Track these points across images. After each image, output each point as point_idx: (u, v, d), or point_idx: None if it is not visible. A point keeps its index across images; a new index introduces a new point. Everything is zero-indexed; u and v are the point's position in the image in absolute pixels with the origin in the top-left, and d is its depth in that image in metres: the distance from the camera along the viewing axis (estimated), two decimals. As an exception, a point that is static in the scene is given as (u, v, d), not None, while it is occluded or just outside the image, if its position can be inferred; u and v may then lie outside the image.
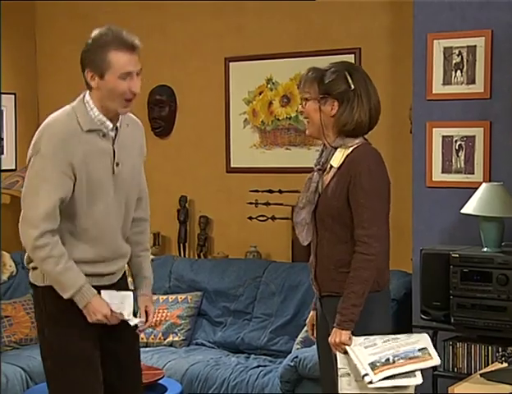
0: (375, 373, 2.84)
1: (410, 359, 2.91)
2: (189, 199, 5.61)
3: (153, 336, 4.98)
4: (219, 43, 5.49)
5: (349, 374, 2.91)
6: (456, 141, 4.25)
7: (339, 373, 2.92)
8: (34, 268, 2.99)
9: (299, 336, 4.49)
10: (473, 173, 4.21)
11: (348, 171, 2.97)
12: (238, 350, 4.86)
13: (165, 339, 4.99)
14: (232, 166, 5.51)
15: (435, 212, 4.27)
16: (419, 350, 2.95)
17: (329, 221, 3.02)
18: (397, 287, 4.46)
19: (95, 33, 2.89)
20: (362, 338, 2.92)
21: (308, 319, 3.31)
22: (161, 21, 5.70)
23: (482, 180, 4.12)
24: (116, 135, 2.95)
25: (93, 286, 2.92)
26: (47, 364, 3.03)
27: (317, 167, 3.09)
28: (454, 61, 4.23)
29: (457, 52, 4.23)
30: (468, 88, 4.21)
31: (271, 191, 5.33)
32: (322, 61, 5.05)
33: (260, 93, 5.38)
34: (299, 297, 4.79)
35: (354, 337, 2.91)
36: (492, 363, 3.58)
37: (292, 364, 4.16)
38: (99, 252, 2.95)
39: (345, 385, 2.91)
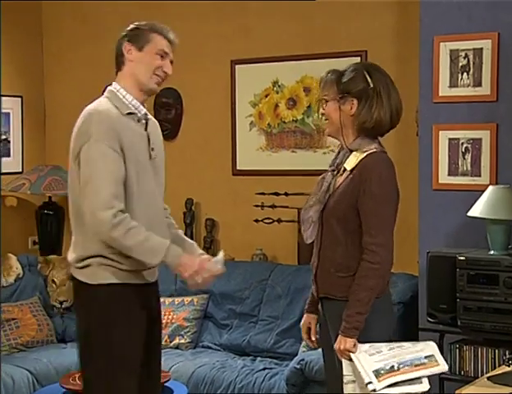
0: (379, 381, 2.83)
1: (416, 366, 2.90)
2: (196, 202, 5.61)
3: (159, 339, 4.99)
4: (225, 45, 5.49)
5: (354, 381, 2.90)
6: (463, 144, 4.25)
7: (344, 380, 2.91)
8: (86, 266, 2.95)
9: (306, 338, 4.49)
10: (480, 176, 4.20)
11: (359, 177, 2.96)
12: (244, 353, 4.86)
13: (171, 341, 4.99)
14: (238, 168, 5.51)
15: (441, 214, 4.26)
16: (426, 357, 2.94)
17: (333, 223, 3.01)
18: (403, 290, 4.46)
19: (138, 22, 3.13)
20: (367, 345, 2.91)
21: (301, 323, 3.27)
22: (167, 24, 5.69)
23: (488, 182, 4.11)
24: (147, 122, 3.06)
25: (139, 285, 2.96)
26: (89, 365, 2.98)
27: (332, 167, 3.09)
28: (460, 64, 4.23)
29: (463, 54, 4.23)
30: (474, 90, 4.20)
31: (277, 194, 5.33)
32: (328, 64, 5.03)
33: (266, 96, 5.39)
34: (305, 300, 4.76)
35: (359, 344, 2.90)
36: (499, 366, 3.57)
37: (298, 366, 4.15)
38: None
39: (350, 392, 2.90)
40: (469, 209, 3.98)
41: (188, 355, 4.81)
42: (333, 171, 3.07)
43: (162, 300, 4.99)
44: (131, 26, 3.12)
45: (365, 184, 2.93)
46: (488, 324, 3.84)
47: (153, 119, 3.19)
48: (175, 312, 5.05)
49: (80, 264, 2.96)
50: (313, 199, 3.07)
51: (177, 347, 4.96)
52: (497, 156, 4.16)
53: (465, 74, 4.22)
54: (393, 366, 2.86)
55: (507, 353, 3.78)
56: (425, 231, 4.30)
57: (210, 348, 4.96)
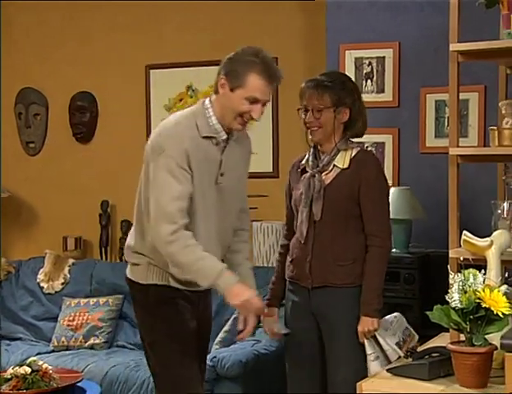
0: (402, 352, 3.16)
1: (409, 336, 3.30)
2: (111, 204, 5.64)
3: (73, 340, 5.00)
4: (140, 51, 5.53)
5: (378, 357, 3.17)
6: (367, 147, 4.43)
7: (371, 358, 3.17)
8: (136, 265, 3.07)
9: (218, 336, 4.57)
10: (383, 178, 4.39)
11: (357, 172, 3.20)
12: (159, 352, 4.90)
13: (86, 342, 5.00)
14: (153, 171, 5.56)
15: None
16: (406, 328, 3.32)
17: (331, 216, 3.20)
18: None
19: (248, 47, 3.01)
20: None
21: (264, 317, 3.35)
22: (83, 30, 5.73)
23: (391, 184, 4.30)
24: (225, 146, 3.03)
25: (190, 291, 3.06)
26: (152, 362, 3.13)
27: (317, 168, 3.25)
28: (364, 71, 4.43)
29: (367, 62, 4.42)
30: (378, 96, 4.40)
31: (191, 196, 5.41)
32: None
33: (180, 100, 5.46)
34: (218, 299, 4.86)
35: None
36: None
37: (211, 363, 4.19)
38: None
39: (377, 368, 3.12)
40: (373, 210, 4.15)
41: (102, 355, 4.81)
42: (319, 172, 3.24)
43: (76, 301, 5.10)
44: (238, 52, 3.00)
45: (367, 179, 3.19)
46: (390, 319, 4.02)
47: (247, 137, 3.17)
48: (90, 312, 5.07)
49: (132, 259, 3.09)
50: (306, 200, 3.23)
51: (92, 347, 4.96)
52: (399, 159, 4.37)
53: (369, 81, 4.42)
54: (403, 338, 3.23)
55: (407, 346, 3.98)
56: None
57: (125, 347, 4.98)
